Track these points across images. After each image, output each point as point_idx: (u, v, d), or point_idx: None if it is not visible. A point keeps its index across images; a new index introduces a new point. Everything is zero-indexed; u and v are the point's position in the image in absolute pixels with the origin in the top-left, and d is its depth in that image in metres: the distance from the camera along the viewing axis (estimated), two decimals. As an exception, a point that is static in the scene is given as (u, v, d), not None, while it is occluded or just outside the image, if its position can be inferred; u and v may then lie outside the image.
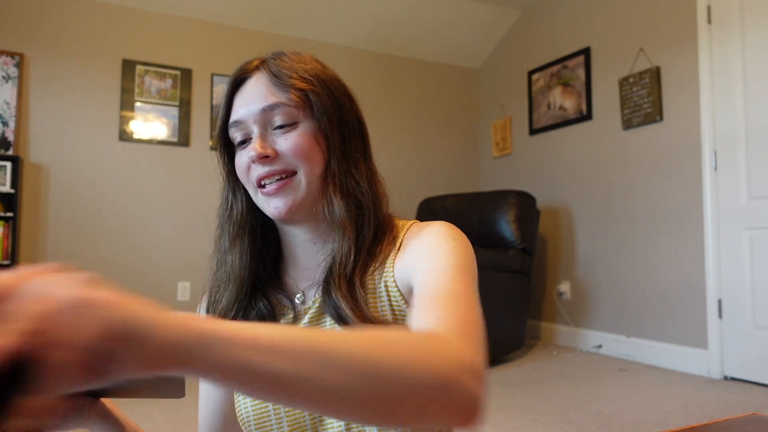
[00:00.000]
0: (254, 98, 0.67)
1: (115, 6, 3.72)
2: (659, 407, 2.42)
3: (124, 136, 3.69)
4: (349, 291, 0.65)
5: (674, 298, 3.16)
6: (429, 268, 0.59)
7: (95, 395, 0.54)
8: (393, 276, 0.66)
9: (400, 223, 0.72)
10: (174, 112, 3.84)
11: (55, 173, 3.51)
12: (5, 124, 3.40)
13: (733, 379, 2.86)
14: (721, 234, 2.93)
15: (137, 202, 3.70)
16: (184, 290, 3.76)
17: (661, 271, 3.24)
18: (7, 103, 3.41)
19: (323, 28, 4.26)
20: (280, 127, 0.66)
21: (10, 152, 3.38)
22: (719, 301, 2.92)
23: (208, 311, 0.73)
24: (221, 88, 3.99)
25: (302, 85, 0.67)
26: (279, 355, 0.35)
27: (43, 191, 3.48)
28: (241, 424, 0.70)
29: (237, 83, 0.70)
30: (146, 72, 3.78)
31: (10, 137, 3.40)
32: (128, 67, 3.72)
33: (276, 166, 0.66)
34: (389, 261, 0.67)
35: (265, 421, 0.67)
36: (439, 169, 4.77)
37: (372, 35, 4.42)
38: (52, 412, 0.27)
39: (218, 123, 0.70)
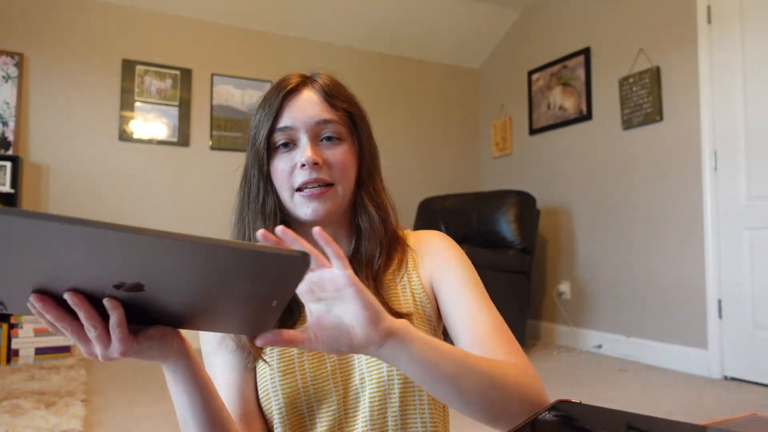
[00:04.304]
0: (309, 110, 0.73)
1: (115, 6, 3.72)
2: (659, 407, 2.43)
3: (124, 136, 3.69)
4: (376, 288, 0.74)
5: (674, 298, 3.16)
6: (461, 289, 0.74)
7: (173, 324, 0.52)
8: (418, 277, 0.78)
9: (400, 232, 0.83)
10: (174, 112, 3.85)
11: (55, 173, 3.51)
12: (5, 124, 3.40)
13: (733, 379, 2.86)
14: (721, 234, 2.93)
15: (137, 202, 3.70)
16: (184, 290, 3.76)
17: (661, 271, 3.24)
18: (7, 103, 3.41)
19: (323, 28, 4.26)
20: (328, 139, 0.74)
21: (10, 152, 3.38)
22: (719, 301, 2.93)
23: None
24: (221, 88, 3.99)
25: (349, 108, 0.77)
26: (445, 359, 0.54)
27: (43, 191, 3.48)
28: (263, 396, 0.72)
29: (288, 93, 0.75)
30: (146, 72, 3.78)
31: (10, 137, 3.40)
32: (128, 67, 3.73)
33: (321, 175, 0.72)
34: (409, 263, 0.79)
35: (294, 399, 0.71)
36: (439, 169, 4.77)
37: (372, 35, 4.42)
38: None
39: (265, 125, 0.74)
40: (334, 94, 0.75)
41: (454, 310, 0.73)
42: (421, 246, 0.80)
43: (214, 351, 0.74)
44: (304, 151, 0.71)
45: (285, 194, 0.74)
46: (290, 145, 0.73)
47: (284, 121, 0.73)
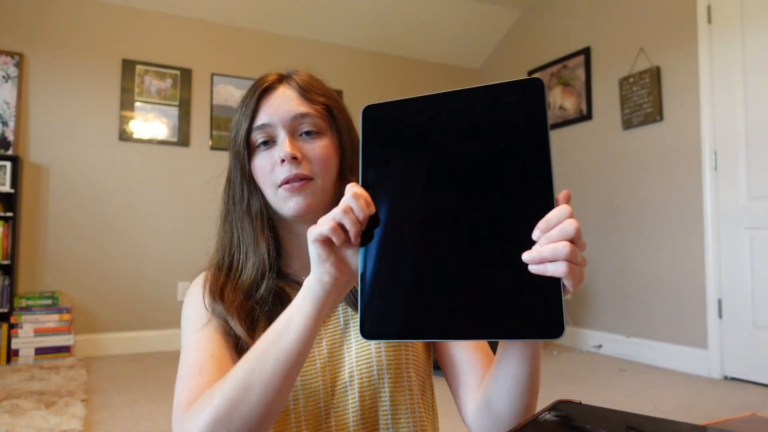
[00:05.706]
0: (285, 105, 0.73)
1: (115, 6, 3.72)
2: (659, 407, 2.42)
3: (124, 136, 3.69)
4: None
5: (674, 298, 3.16)
6: None
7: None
8: None
9: None
10: (174, 111, 3.84)
11: (55, 173, 3.51)
12: (5, 124, 3.40)
13: (733, 379, 2.86)
14: (721, 234, 2.93)
15: (137, 201, 3.70)
16: (183, 290, 3.76)
17: (661, 271, 3.24)
18: (7, 103, 3.41)
19: (323, 28, 4.26)
20: (307, 133, 0.73)
21: (10, 152, 3.38)
22: (719, 301, 2.93)
23: (222, 293, 0.72)
24: (221, 88, 3.99)
25: (326, 101, 0.75)
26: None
27: (43, 191, 3.48)
28: None
29: (264, 91, 0.75)
30: (146, 72, 3.78)
31: (10, 137, 3.40)
32: (128, 67, 3.73)
33: (301, 170, 0.71)
34: None
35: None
36: (439, 169, 4.77)
37: (372, 35, 4.42)
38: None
39: (243, 125, 0.74)
40: (311, 89, 0.75)
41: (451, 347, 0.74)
42: None
43: (203, 321, 0.70)
44: (282, 146, 0.71)
45: (269, 192, 0.73)
46: (270, 143, 0.73)
47: (261, 119, 0.73)
